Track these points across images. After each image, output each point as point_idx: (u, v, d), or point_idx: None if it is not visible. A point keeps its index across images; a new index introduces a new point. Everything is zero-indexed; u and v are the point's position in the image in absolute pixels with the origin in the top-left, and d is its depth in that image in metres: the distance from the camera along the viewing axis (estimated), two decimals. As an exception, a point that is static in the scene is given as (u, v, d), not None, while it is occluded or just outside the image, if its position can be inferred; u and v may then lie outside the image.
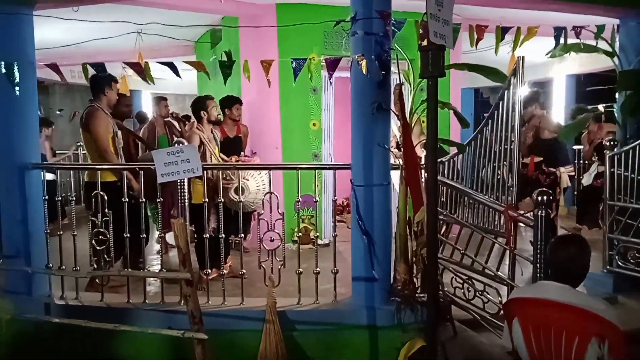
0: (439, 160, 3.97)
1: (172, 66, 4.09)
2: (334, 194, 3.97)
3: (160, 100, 6.45)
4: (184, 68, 4.15)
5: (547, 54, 5.18)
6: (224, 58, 4.74)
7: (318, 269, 3.84)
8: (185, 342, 3.14)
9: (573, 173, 5.79)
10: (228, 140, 5.76)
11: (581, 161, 7.92)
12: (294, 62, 3.94)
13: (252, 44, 5.82)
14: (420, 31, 2.68)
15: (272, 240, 3.77)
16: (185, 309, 3.08)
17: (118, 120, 4.97)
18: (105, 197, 3.91)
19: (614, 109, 5.68)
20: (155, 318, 3.74)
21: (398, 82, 3.76)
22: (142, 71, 4.17)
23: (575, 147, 8.20)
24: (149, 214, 5.48)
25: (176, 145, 3.52)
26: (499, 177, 3.65)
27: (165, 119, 6.39)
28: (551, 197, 5.42)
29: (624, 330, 2.15)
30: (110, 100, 4.70)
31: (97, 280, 4.17)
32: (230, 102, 5.76)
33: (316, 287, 3.85)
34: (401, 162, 3.70)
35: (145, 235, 3.97)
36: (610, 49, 4.79)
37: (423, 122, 3.28)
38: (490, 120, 3.65)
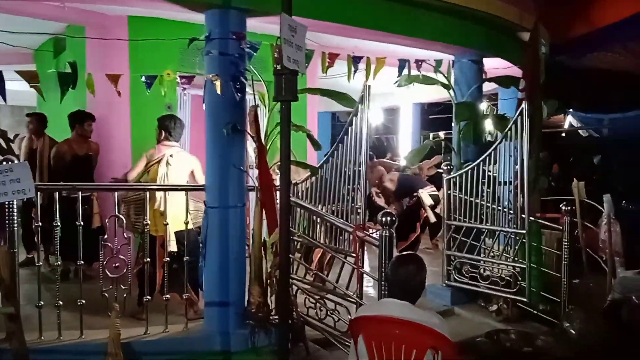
0: (293, 182, 4.04)
1: None
2: (187, 217, 3.82)
3: None
4: (17, 78, 3.74)
5: (394, 83, 5.58)
6: (68, 70, 4.32)
7: (167, 296, 3.66)
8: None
9: (436, 193, 6.23)
10: (77, 158, 5.31)
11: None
12: (144, 78, 3.76)
13: (100, 56, 5.42)
14: (276, 55, 2.71)
15: (116, 267, 3.51)
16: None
17: None
18: None
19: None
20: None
21: (253, 103, 3.77)
22: None
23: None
24: None
25: (4, 163, 3.12)
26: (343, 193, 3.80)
27: None
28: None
29: (456, 341, 2.34)
30: None
31: None
32: (82, 118, 5.32)
33: (165, 314, 3.66)
34: (257, 184, 3.70)
35: None
36: (447, 82, 5.29)
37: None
38: (340, 145, 3.80)
